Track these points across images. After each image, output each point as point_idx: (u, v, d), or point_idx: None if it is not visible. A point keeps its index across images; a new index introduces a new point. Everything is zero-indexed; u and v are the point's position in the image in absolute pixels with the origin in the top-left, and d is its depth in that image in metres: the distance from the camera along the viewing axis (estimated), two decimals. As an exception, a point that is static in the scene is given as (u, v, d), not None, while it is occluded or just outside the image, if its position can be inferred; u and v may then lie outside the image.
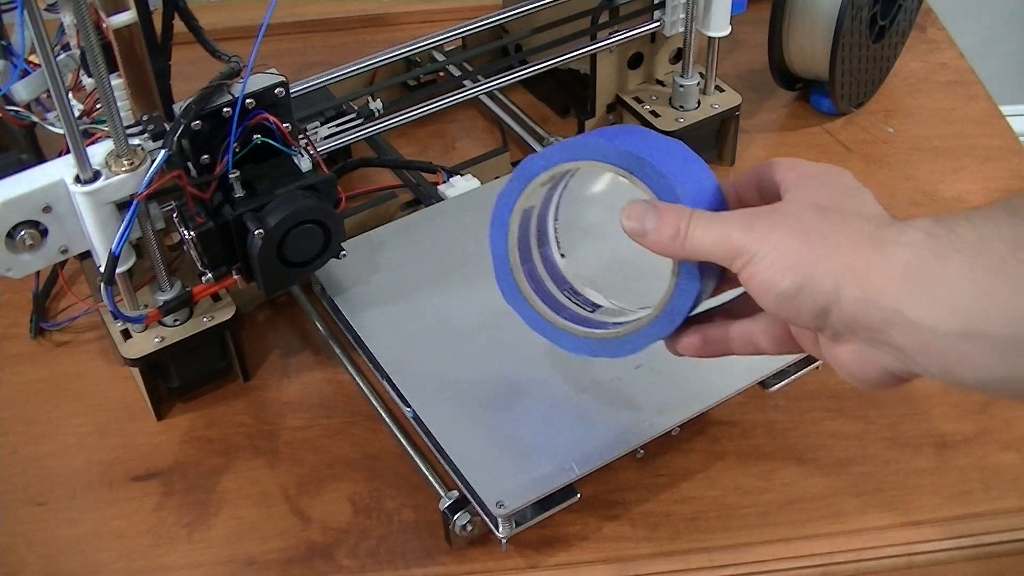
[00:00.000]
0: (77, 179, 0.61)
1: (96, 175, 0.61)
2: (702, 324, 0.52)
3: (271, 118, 0.64)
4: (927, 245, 0.41)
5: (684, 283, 0.50)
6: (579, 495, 0.63)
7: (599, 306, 0.58)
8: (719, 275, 0.51)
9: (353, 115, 0.79)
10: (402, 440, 0.70)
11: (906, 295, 0.41)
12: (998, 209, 0.40)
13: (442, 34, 0.79)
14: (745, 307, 0.51)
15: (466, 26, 0.81)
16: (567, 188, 0.57)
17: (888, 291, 0.42)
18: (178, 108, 0.63)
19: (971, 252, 0.40)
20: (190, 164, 0.65)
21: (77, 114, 0.63)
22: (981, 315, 0.39)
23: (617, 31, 0.85)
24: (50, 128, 0.66)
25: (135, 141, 0.63)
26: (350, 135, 0.78)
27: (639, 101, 0.89)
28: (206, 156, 0.64)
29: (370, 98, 0.80)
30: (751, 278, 0.46)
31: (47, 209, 0.62)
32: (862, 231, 0.44)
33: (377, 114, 0.79)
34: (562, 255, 0.59)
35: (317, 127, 0.78)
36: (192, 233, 0.64)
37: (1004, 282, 0.39)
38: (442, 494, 0.64)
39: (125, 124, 0.62)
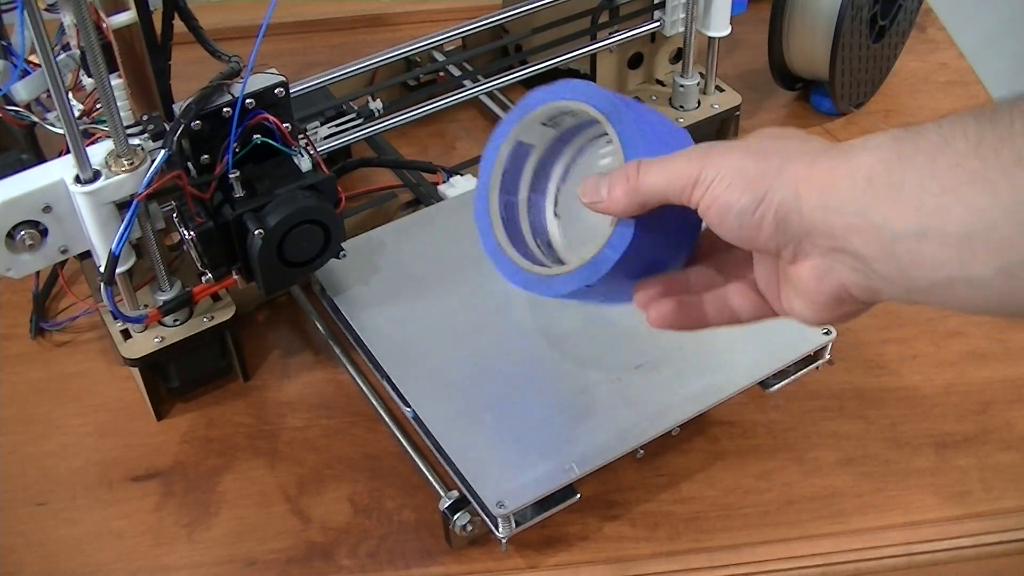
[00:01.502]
0: (77, 179, 0.61)
1: (96, 175, 0.61)
2: (676, 292, 0.51)
3: (271, 118, 0.64)
4: (892, 147, 0.41)
5: (616, 237, 0.50)
6: (579, 495, 0.63)
7: (563, 264, 0.57)
8: (679, 241, 0.51)
9: (353, 115, 0.79)
10: (402, 440, 0.70)
11: (870, 198, 0.41)
12: (965, 114, 0.40)
13: (442, 34, 0.79)
14: (720, 276, 0.51)
15: (466, 26, 0.81)
16: (581, 159, 0.57)
17: (851, 196, 0.42)
18: (178, 108, 0.63)
19: (934, 151, 0.40)
20: (190, 164, 0.65)
21: (77, 114, 0.63)
22: (939, 212, 0.39)
23: (617, 31, 0.85)
24: (50, 128, 0.66)
25: (135, 141, 0.63)
26: (350, 135, 0.78)
27: (639, 101, 0.89)
28: (206, 156, 0.64)
29: (370, 98, 0.80)
30: (710, 205, 0.46)
31: (47, 209, 0.62)
32: (819, 146, 0.45)
33: (377, 114, 0.79)
34: (556, 215, 0.58)
35: (317, 127, 0.78)
36: (192, 233, 0.64)
37: (963, 178, 0.39)
38: (442, 494, 0.64)
39: (125, 124, 0.62)
